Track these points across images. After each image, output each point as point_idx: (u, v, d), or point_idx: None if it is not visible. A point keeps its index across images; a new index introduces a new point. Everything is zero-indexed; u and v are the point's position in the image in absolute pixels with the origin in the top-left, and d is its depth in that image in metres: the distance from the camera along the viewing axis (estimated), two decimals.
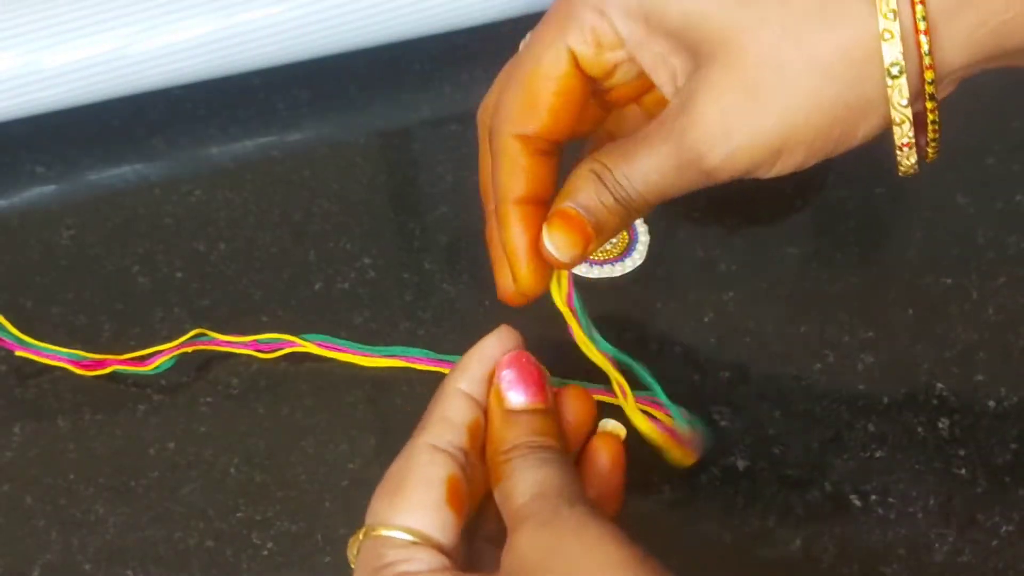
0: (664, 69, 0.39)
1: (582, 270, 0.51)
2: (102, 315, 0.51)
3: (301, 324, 0.50)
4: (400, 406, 0.48)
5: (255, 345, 0.48)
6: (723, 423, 0.47)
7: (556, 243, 0.39)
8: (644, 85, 0.42)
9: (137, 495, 0.46)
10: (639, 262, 0.52)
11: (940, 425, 0.47)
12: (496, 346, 0.40)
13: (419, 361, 0.48)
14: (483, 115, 0.43)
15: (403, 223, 0.54)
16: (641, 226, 0.53)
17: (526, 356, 0.40)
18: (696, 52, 0.37)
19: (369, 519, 0.37)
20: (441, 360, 0.48)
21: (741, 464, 0.46)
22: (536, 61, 0.40)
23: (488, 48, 0.59)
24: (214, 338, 0.49)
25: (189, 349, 0.49)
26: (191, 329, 0.49)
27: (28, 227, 0.54)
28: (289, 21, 0.55)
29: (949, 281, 0.51)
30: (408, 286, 0.52)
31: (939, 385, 0.48)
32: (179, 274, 0.52)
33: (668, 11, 0.37)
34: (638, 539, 0.44)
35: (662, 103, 0.40)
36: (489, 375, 0.40)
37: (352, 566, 0.38)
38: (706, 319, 0.50)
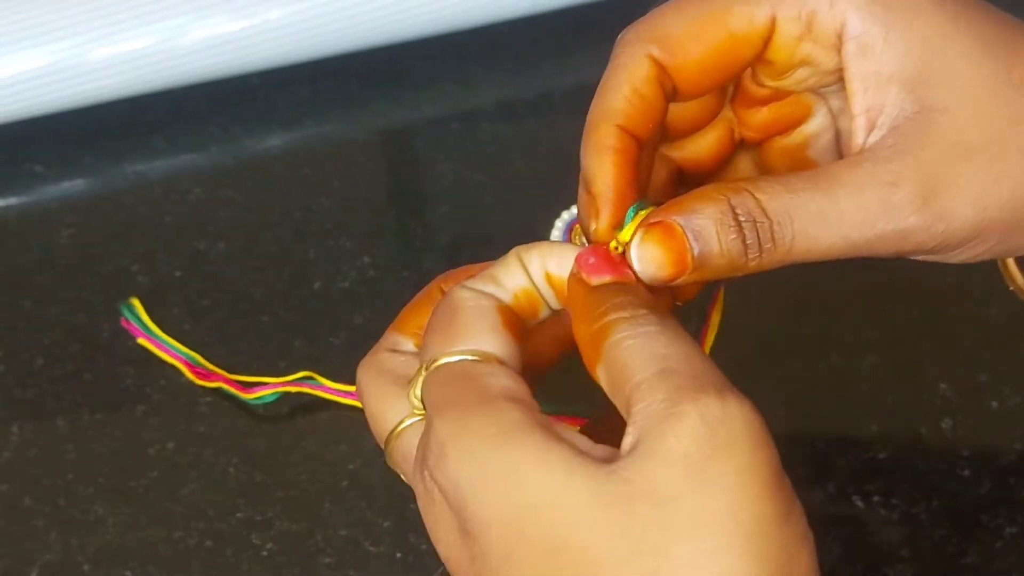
0: (871, 97, 0.34)
1: None
2: (101, 315, 0.51)
3: (301, 324, 0.50)
4: None
5: None
6: None
7: (644, 257, 0.32)
8: (799, 112, 0.37)
9: (137, 495, 0.46)
10: None
11: (944, 425, 0.47)
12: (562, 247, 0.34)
13: None
14: (630, 34, 0.36)
15: (404, 222, 0.54)
16: None
17: (604, 247, 0.33)
18: (927, 95, 0.33)
19: (425, 357, 0.32)
20: None
21: None
22: (728, 4, 0.34)
23: (488, 47, 0.60)
24: (321, 383, 0.47)
25: (293, 389, 0.47)
26: (191, 328, 0.49)
27: (28, 226, 0.54)
28: (292, 24, 0.55)
29: (953, 281, 0.50)
30: (408, 285, 0.52)
31: (943, 385, 0.47)
32: (178, 273, 0.52)
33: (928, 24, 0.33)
34: None
35: (791, 153, 0.36)
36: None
37: (417, 409, 0.32)
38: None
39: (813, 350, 0.48)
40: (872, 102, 0.34)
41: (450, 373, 0.31)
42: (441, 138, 0.57)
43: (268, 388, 0.47)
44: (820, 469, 0.45)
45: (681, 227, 0.32)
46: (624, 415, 0.29)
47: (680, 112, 0.36)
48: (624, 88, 0.34)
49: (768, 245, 0.32)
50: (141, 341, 0.49)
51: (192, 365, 0.48)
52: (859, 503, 0.45)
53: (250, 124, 0.58)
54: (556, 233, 0.52)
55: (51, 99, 0.55)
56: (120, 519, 0.45)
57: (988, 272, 0.51)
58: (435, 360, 0.31)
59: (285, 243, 0.53)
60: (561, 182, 0.55)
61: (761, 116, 0.37)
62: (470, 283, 0.33)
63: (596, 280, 0.32)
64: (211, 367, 0.48)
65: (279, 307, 0.51)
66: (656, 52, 0.34)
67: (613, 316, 0.30)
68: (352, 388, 0.46)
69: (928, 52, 0.33)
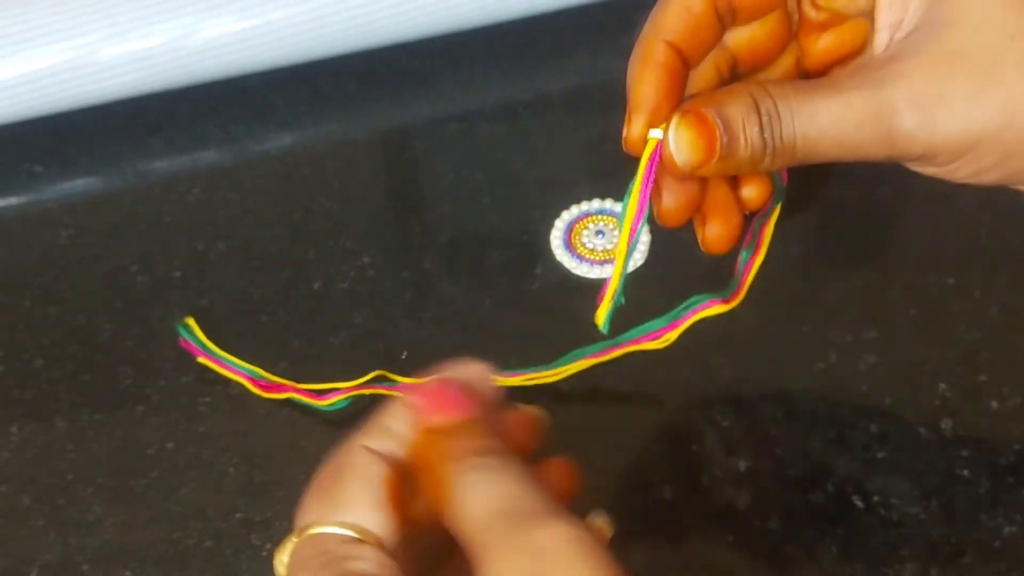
0: (894, 12, 0.36)
1: (582, 270, 0.51)
2: (101, 315, 0.51)
3: (300, 324, 0.50)
4: None
5: None
6: (724, 423, 0.47)
7: (679, 141, 0.35)
8: (857, 41, 0.38)
9: (136, 495, 0.46)
10: (639, 262, 0.52)
11: (943, 425, 0.47)
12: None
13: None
14: None
15: (403, 222, 0.54)
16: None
17: (443, 381, 0.33)
18: (938, 11, 0.35)
19: (302, 521, 0.32)
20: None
21: (743, 465, 0.46)
22: None
23: (487, 48, 0.60)
24: (396, 382, 0.47)
25: (367, 391, 0.47)
26: (190, 328, 0.49)
27: (27, 226, 0.54)
28: (293, 26, 0.55)
29: (952, 281, 0.50)
30: (408, 285, 0.52)
31: (942, 385, 0.47)
32: (178, 273, 0.52)
33: None
34: (638, 539, 0.44)
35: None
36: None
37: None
38: (706, 319, 0.50)
39: (812, 350, 0.48)
40: (893, 18, 0.36)
41: (316, 547, 0.31)
42: (440, 138, 0.57)
43: (341, 393, 0.47)
44: (819, 469, 0.45)
45: (712, 116, 0.35)
46: (471, 559, 0.29)
47: (750, 43, 0.38)
48: (676, 5, 0.36)
49: (778, 143, 0.35)
50: (201, 360, 0.48)
51: (256, 379, 0.48)
52: (858, 503, 0.45)
53: (249, 124, 0.58)
54: (556, 233, 0.52)
55: (55, 100, 0.55)
56: (119, 519, 0.45)
57: (988, 271, 0.51)
58: (308, 528, 0.31)
59: (284, 243, 0.53)
60: (560, 182, 0.55)
61: (822, 44, 0.38)
62: (364, 438, 0.33)
63: (435, 422, 0.32)
64: (277, 379, 0.48)
65: (279, 307, 0.51)
66: None
67: (452, 464, 0.31)
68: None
69: None
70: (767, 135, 0.35)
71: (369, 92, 0.59)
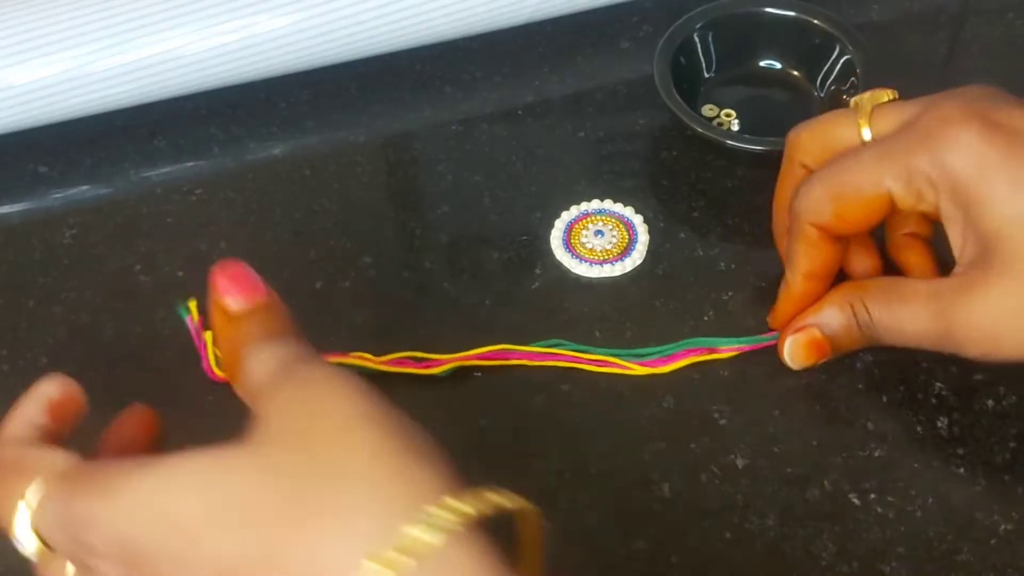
0: (960, 237, 0.43)
1: (582, 269, 0.51)
2: (104, 314, 0.51)
3: (301, 323, 0.50)
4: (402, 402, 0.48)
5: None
6: (723, 422, 0.47)
7: (793, 353, 0.47)
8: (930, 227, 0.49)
9: None
10: (639, 262, 0.52)
11: (939, 424, 0.47)
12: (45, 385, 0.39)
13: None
14: (797, 203, 0.46)
15: (403, 222, 0.54)
16: (641, 225, 0.53)
17: (236, 263, 0.38)
18: (994, 248, 0.42)
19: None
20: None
21: (740, 462, 0.46)
22: (857, 188, 0.44)
23: (488, 49, 0.60)
24: (512, 350, 0.48)
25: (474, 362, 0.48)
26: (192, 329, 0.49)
27: (30, 226, 0.55)
28: (298, 32, 0.55)
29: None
30: (409, 285, 0.52)
31: (938, 384, 0.48)
32: (180, 273, 0.52)
33: (989, 213, 0.42)
34: (637, 536, 0.44)
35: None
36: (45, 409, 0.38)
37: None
38: (705, 318, 0.50)
39: None
40: (958, 242, 0.44)
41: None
42: (441, 139, 0.57)
43: (447, 363, 0.48)
44: (816, 467, 0.46)
45: (819, 332, 0.47)
46: (252, 417, 0.34)
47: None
48: (810, 252, 0.46)
49: (868, 337, 0.46)
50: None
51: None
52: (855, 500, 0.45)
53: (251, 126, 0.58)
54: (556, 233, 0.53)
55: (59, 109, 0.55)
56: None
57: None
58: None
59: (286, 243, 0.53)
60: (559, 182, 0.55)
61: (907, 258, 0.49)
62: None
63: (234, 306, 0.37)
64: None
65: None
66: (819, 222, 0.46)
67: (243, 348, 0.36)
68: (547, 350, 0.48)
69: (1003, 230, 0.42)
70: (867, 330, 0.46)
71: (370, 93, 0.59)
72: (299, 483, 0.31)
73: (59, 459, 0.35)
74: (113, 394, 0.49)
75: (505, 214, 0.54)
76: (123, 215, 0.55)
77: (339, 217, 0.54)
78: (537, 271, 0.52)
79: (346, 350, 0.49)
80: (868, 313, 0.45)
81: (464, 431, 0.46)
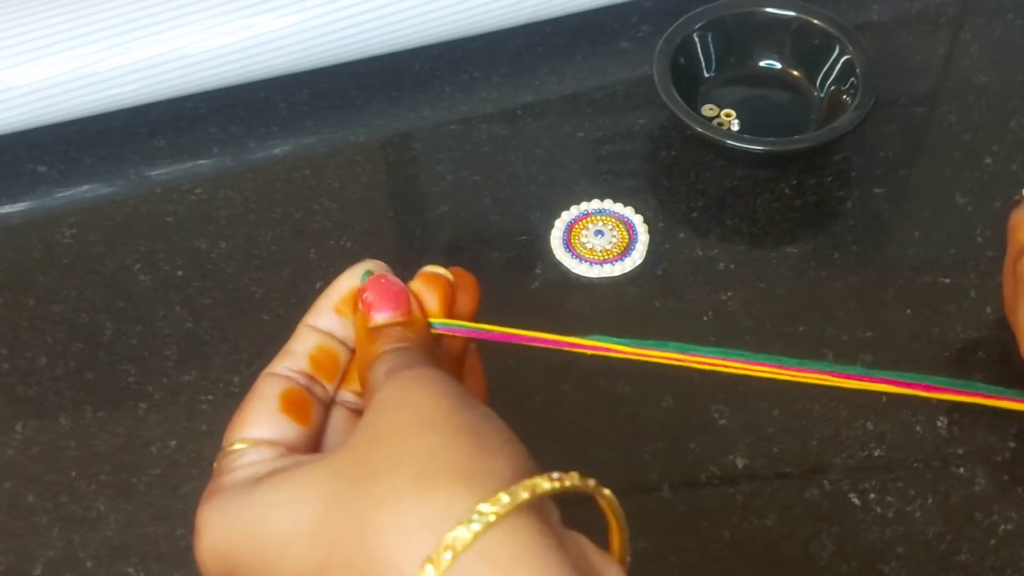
0: None
1: (582, 269, 0.51)
2: (103, 313, 0.51)
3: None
4: None
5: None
6: (722, 422, 0.47)
7: None
8: None
9: (138, 492, 0.46)
10: (639, 262, 0.52)
11: (939, 424, 0.47)
12: (346, 279, 0.40)
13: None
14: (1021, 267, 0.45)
15: (403, 222, 0.54)
16: (641, 225, 0.53)
17: (386, 277, 0.39)
18: None
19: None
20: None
21: (740, 462, 0.46)
22: None
23: (487, 49, 0.60)
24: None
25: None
26: (192, 327, 0.49)
27: (30, 226, 0.55)
28: (299, 33, 0.55)
29: (947, 280, 0.51)
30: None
31: None
32: (180, 272, 0.52)
33: None
34: (637, 536, 0.44)
35: None
36: (345, 305, 0.39)
37: None
38: (705, 318, 0.50)
39: (809, 349, 0.49)
40: None
41: (220, 463, 0.36)
42: (440, 139, 0.57)
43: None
44: (816, 466, 0.46)
45: None
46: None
47: None
48: None
49: None
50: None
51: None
52: (855, 500, 0.45)
53: (251, 125, 0.58)
54: (556, 233, 0.53)
55: (59, 109, 0.55)
56: (122, 516, 0.45)
57: (983, 271, 0.51)
58: (219, 451, 0.37)
59: (286, 243, 0.53)
60: (559, 182, 0.55)
61: None
62: (270, 366, 0.38)
63: (376, 318, 0.38)
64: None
65: (279, 306, 0.51)
66: None
67: (384, 348, 0.37)
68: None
69: None
70: None
71: (370, 93, 0.59)
72: (355, 488, 0.32)
73: (248, 454, 0.36)
74: (113, 394, 0.49)
75: (505, 214, 0.54)
76: (123, 214, 0.55)
77: (339, 216, 0.54)
78: (537, 271, 0.52)
79: None
80: None
81: None
